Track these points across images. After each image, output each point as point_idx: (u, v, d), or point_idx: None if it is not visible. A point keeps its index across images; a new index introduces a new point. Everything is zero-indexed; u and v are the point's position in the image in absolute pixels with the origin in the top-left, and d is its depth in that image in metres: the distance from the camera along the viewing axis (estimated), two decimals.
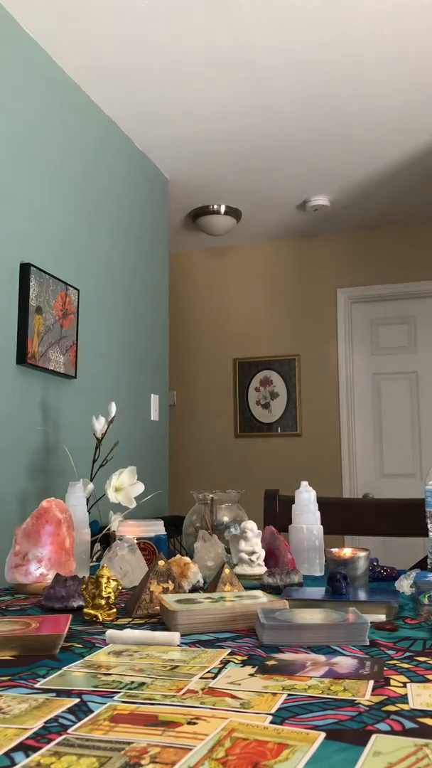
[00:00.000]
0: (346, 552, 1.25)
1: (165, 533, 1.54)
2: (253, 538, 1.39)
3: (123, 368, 3.15)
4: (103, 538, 2.01)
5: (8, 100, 2.40)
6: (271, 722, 0.60)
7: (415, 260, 4.43)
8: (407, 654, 0.82)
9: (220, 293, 4.80)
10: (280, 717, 0.61)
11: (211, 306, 4.81)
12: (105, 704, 0.65)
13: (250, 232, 4.57)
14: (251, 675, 0.74)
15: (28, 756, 0.53)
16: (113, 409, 2.27)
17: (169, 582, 1.10)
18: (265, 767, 0.51)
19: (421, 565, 1.66)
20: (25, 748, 0.55)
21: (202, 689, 0.69)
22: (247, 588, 1.20)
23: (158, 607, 1.06)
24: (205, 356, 4.78)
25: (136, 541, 1.42)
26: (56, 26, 2.50)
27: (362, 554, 1.25)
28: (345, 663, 0.78)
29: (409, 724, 0.59)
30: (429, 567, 1.40)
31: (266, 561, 1.45)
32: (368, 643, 0.87)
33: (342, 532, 1.92)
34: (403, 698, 0.66)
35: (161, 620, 1.02)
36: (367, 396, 4.49)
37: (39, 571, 1.29)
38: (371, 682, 0.71)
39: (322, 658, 0.80)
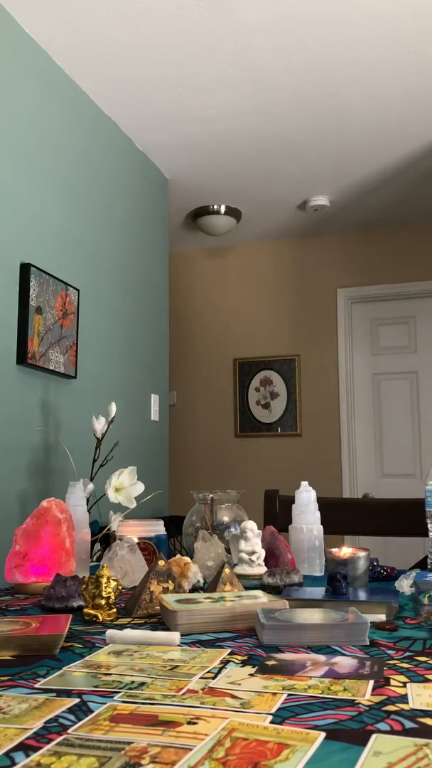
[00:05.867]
0: (346, 552, 1.25)
1: (165, 533, 1.54)
2: (253, 538, 1.39)
3: (123, 368, 3.15)
4: (103, 538, 2.01)
5: (8, 101, 2.40)
6: (271, 722, 0.60)
7: (415, 260, 4.43)
8: (407, 654, 0.82)
9: (220, 293, 4.80)
10: (280, 717, 0.61)
11: (211, 306, 4.81)
12: (105, 704, 0.65)
13: (250, 232, 4.57)
14: (251, 675, 0.74)
15: (28, 756, 0.53)
16: (113, 409, 2.27)
17: (169, 582, 1.10)
18: (265, 767, 0.51)
19: (421, 565, 1.66)
20: (25, 748, 0.55)
21: (202, 689, 0.69)
22: (247, 588, 1.20)
23: (158, 607, 1.06)
24: (205, 356, 4.78)
25: (136, 541, 1.42)
26: (56, 26, 2.50)
27: (362, 554, 1.25)
28: (345, 663, 0.78)
29: (409, 724, 0.59)
30: (429, 567, 1.40)
31: (266, 561, 1.45)
32: (368, 643, 0.87)
33: (342, 532, 1.92)
34: (403, 698, 0.66)
35: (161, 620, 1.02)
36: (367, 396, 4.49)
37: (39, 571, 1.29)
38: (371, 682, 0.71)
39: (322, 658, 0.80)
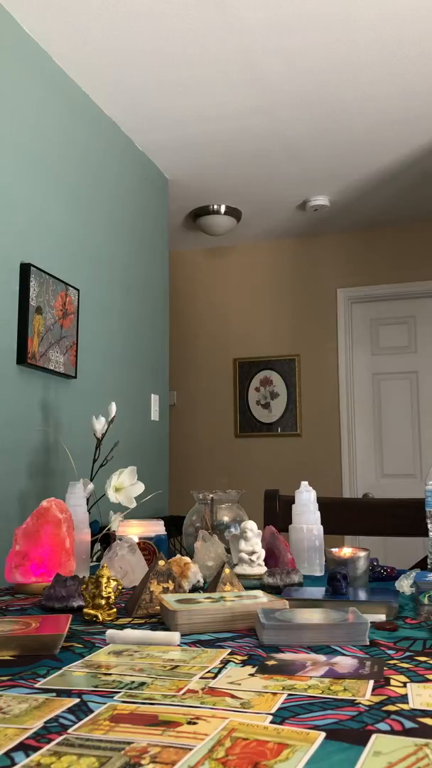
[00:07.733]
0: (346, 552, 1.25)
1: (165, 533, 1.54)
2: (253, 538, 1.38)
3: (123, 368, 3.15)
4: (103, 538, 2.01)
5: (8, 101, 2.40)
6: (271, 722, 0.60)
7: (415, 260, 4.43)
8: (407, 654, 0.82)
9: (220, 293, 4.80)
10: (280, 717, 0.61)
11: (211, 306, 4.81)
12: (105, 704, 0.65)
13: (250, 232, 4.57)
14: (251, 675, 0.74)
15: (28, 756, 0.53)
16: (113, 409, 2.27)
17: (169, 582, 1.10)
18: (265, 767, 0.51)
19: (421, 565, 1.66)
20: (25, 747, 0.55)
21: (202, 689, 0.69)
22: (247, 588, 1.20)
23: (158, 607, 1.06)
24: (205, 356, 4.78)
25: (136, 541, 1.42)
26: (56, 26, 2.50)
27: (362, 554, 1.25)
28: (345, 663, 0.78)
29: (409, 724, 0.59)
30: (429, 567, 1.40)
31: (266, 561, 1.45)
32: (368, 643, 0.87)
33: (342, 532, 1.92)
34: (403, 698, 0.66)
35: (161, 620, 1.02)
36: (367, 396, 4.49)
37: (39, 571, 1.29)
38: (371, 682, 0.71)
39: (322, 657, 0.80)
